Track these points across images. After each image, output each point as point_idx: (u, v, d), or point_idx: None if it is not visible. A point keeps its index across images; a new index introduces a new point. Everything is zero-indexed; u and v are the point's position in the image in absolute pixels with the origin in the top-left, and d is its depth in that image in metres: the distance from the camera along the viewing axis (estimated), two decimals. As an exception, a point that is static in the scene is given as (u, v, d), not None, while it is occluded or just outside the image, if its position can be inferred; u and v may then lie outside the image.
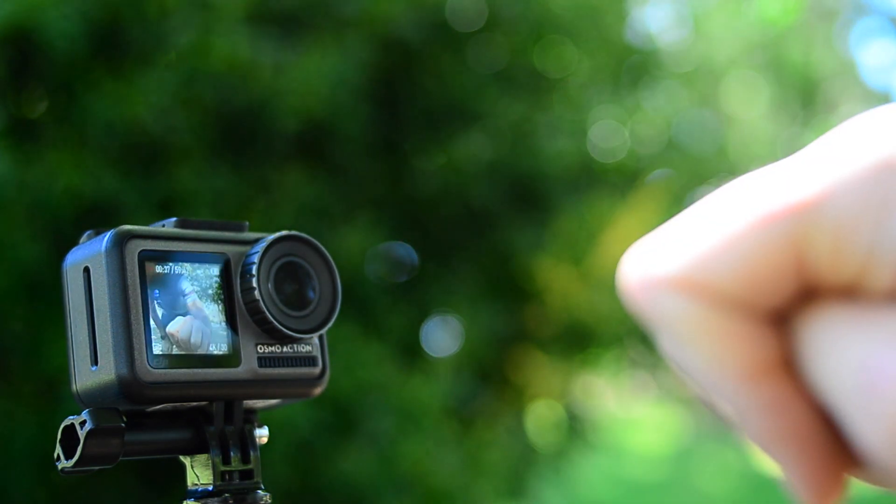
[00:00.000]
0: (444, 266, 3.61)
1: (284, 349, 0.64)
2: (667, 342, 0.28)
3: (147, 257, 0.60)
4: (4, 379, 2.57)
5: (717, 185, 0.29)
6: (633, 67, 4.35)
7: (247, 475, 0.63)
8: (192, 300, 0.61)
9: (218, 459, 0.62)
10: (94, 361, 0.59)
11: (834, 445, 0.28)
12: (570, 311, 4.02)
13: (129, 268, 0.59)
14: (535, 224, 3.73)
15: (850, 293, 0.27)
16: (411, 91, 3.50)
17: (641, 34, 4.73)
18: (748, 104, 6.50)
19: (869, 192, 0.26)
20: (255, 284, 0.61)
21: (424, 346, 3.57)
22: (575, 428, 4.41)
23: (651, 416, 9.04)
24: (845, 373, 0.25)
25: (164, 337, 0.59)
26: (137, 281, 0.59)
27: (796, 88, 9.08)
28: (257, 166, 3.09)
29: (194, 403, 0.62)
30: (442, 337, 3.70)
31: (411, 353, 3.37)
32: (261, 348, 0.63)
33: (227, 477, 0.62)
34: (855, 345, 0.25)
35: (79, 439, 0.57)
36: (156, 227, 0.62)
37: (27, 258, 2.46)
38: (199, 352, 0.60)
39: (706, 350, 0.27)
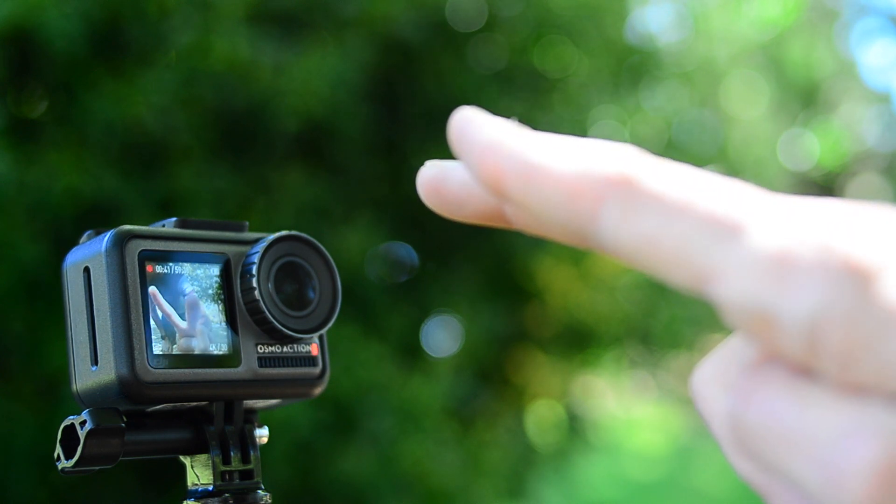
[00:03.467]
0: (444, 266, 3.61)
1: (284, 349, 0.64)
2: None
3: (147, 257, 0.60)
4: (4, 379, 2.57)
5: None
6: (633, 67, 4.35)
7: (247, 475, 0.63)
8: (192, 300, 0.61)
9: (218, 459, 0.62)
10: (95, 361, 0.59)
11: None
12: (570, 311, 4.02)
13: (129, 268, 0.59)
14: (535, 224, 3.72)
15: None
16: (411, 91, 3.50)
17: (641, 34, 4.73)
18: (748, 104, 6.49)
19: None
20: (255, 284, 0.61)
21: (424, 346, 3.57)
22: (575, 428, 4.41)
23: (651, 416, 9.04)
24: (813, 454, 0.26)
25: (165, 337, 0.59)
26: (137, 281, 0.59)
27: (796, 88, 9.08)
28: (257, 166, 3.09)
29: (194, 403, 0.62)
30: (442, 337, 3.70)
31: (411, 353, 3.37)
32: (261, 348, 0.63)
33: (227, 477, 0.62)
34: (822, 427, 0.26)
35: (79, 439, 0.57)
36: (156, 227, 0.62)
37: (27, 258, 2.46)
38: (199, 352, 0.60)
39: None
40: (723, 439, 0.29)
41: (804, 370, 0.27)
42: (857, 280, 0.25)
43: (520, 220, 0.34)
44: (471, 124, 0.33)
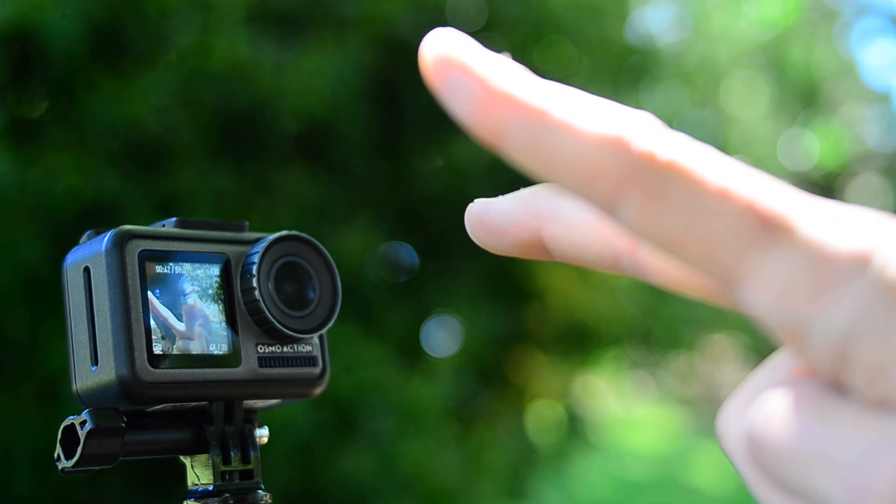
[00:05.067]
0: (444, 266, 3.61)
1: (285, 349, 0.64)
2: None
3: (147, 257, 0.59)
4: (4, 379, 2.57)
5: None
6: (633, 67, 4.35)
7: (247, 475, 0.63)
8: (192, 300, 0.61)
9: (218, 459, 0.62)
10: (95, 361, 0.59)
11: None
12: (570, 311, 4.02)
13: (129, 268, 0.59)
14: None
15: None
16: (411, 91, 3.50)
17: (641, 34, 4.73)
18: (748, 104, 6.49)
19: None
20: (255, 284, 0.61)
21: (424, 346, 3.57)
22: (575, 428, 4.42)
23: (651, 416, 9.04)
24: (838, 470, 0.25)
25: (165, 337, 0.59)
26: (137, 281, 0.59)
27: (797, 88, 9.08)
28: (257, 166, 3.09)
29: (194, 403, 0.62)
30: (442, 337, 3.70)
31: (411, 353, 3.37)
32: (261, 348, 0.63)
33: (227, 477, 0.62)
34: (847, 442, 0.26)
35: (79, 439, 0.57)
36: (156, 227, 0.62)
37: (28, 258, 2.46)
38: (199, 352, 0.60)
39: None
40: (745, 469, 0.28)
41: (830, 385, 0.26)
42: (891, 295, 0.25)
43: (559, 254, 0.33)
44: (463, 57, 0.28)
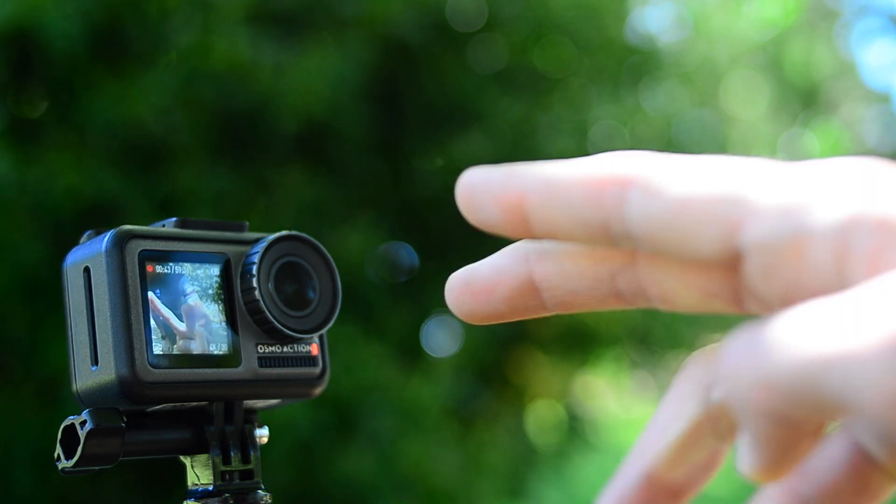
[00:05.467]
0: (444, 266, 3.61)
1: (285, 349, 0.64)
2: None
3: (147, 257, 0.59)
4: (4, 379, 2.57)
5: None
6: (633, 67, 4.35)
7: (247, 475, 0.63)
8: (192, 300, 0.61)
9: (218, 459, 0.62)
10: (95, 361, 0.59)
11: None
12: (570, 311, 4.01)
13: (129, 268, 0.59)
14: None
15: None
16: (411, 91, 3.50)
17: (641, 34, 4.73)
18: (748, 104, 6.50)
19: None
20: (255, 284, 0.61)
21: (424, 346, 3.57)
22: (575, 428, 4.42)
23: (651, 416, 9.02)
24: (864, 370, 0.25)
25: (165, 337, 0.59)
26: (137, 281, 0.59)
27: (796, 89, 9.08)
28: (257, 166, 3.09)
29: (194, 403, 0.62)
30: (442, 337, 3.70)
31: (411, 353, 3.37)
32: (261, 348, 0.63)
33: (227, 477, 0.62)
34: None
35: (79, 439, 0.57)
36: (156, 227, 0.62)
37: (28, 258, 2.47)
38: (200, 352, 0.60)
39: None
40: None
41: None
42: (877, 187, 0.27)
43: (551, 296, 0.35)
44: (481, 177, 0.34)
